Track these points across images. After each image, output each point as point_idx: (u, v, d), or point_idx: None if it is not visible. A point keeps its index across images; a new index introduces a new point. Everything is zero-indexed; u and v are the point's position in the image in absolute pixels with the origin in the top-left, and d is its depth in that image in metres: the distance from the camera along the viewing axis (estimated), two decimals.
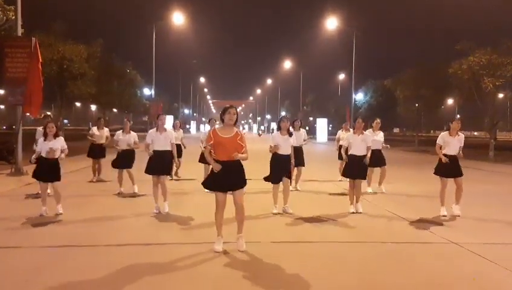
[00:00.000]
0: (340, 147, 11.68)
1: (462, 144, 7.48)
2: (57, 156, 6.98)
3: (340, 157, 11.85)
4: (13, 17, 13.54)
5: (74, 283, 4.16)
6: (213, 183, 5.21)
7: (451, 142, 7.39)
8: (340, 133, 12.08)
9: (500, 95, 27.43)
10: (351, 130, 11.87)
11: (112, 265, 4.64)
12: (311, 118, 59.02)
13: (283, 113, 74.82)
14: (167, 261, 4.81)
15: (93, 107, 73.25)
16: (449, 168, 7.36)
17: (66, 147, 7.18)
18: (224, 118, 5.18)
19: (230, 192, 5.24)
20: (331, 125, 52.85)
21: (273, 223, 6.74)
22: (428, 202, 8.94)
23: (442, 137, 7.48)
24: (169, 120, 25.75)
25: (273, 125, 73.21)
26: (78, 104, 65.45)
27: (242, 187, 5.21)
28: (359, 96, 46.95)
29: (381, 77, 42.26)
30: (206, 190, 9.25)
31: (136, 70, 39.38)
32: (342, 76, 58.67)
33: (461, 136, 7.50)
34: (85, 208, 7.75)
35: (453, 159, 7.36)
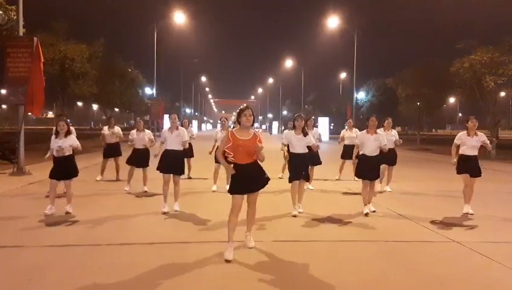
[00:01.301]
0: (344, 146, 11.64)
1: (488, 142, 7.34)
2: (67, 154, 6.99)
3: (343, 156, 11.74)
4: (15, 17, 13.56)
5: (77, 283, 4.17)
6: (235, 186, 5.02)
7: (468, 142, 7.27)
8: (344, 132, 11.92)
9: (502, 94, 27.42)
10: (355, 129, 11.83)
11: (116, 264, 4.67)
12: (312, 117, 58.95)
13: (284, 113, 74.79)
14: (173, 260, 4.82)
15: (95, 107, 73.40)
16: (468, 167, 7.32)
17: (77, 143, 7.19)
18: (241, 120, 5.04)
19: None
20: (332, 124, 52.79)
21: (276, 222, 6.73)
22: (431, 201, 8.95)
23: (460, 137, 7.41)
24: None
25: (275, 124, 73.25)
26: (79, 103, 65.55)
27: (263, 187, 5.12)
28: (361, 95, 46.94)
29: (382, 76, 42.28)
30: (214, 188, 9.38)
31: (137, 69, 39.43)
32: (343, 75, 58.67)
33: (480, 135, 7.34)
34: (92, 206, 7.76)
35: (472, 159, 7.31)
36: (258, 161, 5.10)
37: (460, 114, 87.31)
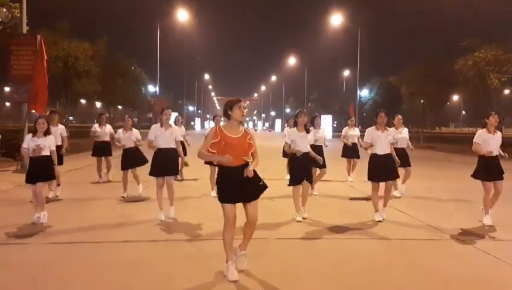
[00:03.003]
0: (345, 144, 11.59)
1: (500, 143, 6.70)
2: (43, 154, 6.32)
3: (345, 155, 11.67)
4: (18, 15, 13.59)
5: (81, 280, 4.19)
6: (225, 194, 4.24)
7: (490, 141, 6.55)
8: (347, 130, 11.80)
9: (506, 91, 27.34)
10: (356, 128, 11.79)
11: (120, 261, 4.68)
12: (315, 114, 58.90)
13: (287, 110, 74.74)
14: (176, 257, 4.85)
15: (98, 105, 73.51)
16: (491, 170, 6.62)
17: (54, 144, 6.55)
18: (233, 114, 4.27)
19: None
20: (335, 122, 52.76)
21: (279, 222, 6.71)
22: (433, 199, 8.92)
23: (481, 135, 6.60)
24: (172, 117, 25.54)
25: (277, 122, 73.26)
26: (83, 101, 65.73)
27: (258, 197, 4.31)
28: (364, 93, 46.90)
29: (386, 74, 42.21)
30: (213, 193, 8.79)
31: (140, 67, 39.54)
32: (346, 73, 58.55)
33: (499, 133, 6.70)
34: (92, 207, 7.76)
35: (495, 159, 6.63)
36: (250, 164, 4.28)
37: (463, 112, 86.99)
